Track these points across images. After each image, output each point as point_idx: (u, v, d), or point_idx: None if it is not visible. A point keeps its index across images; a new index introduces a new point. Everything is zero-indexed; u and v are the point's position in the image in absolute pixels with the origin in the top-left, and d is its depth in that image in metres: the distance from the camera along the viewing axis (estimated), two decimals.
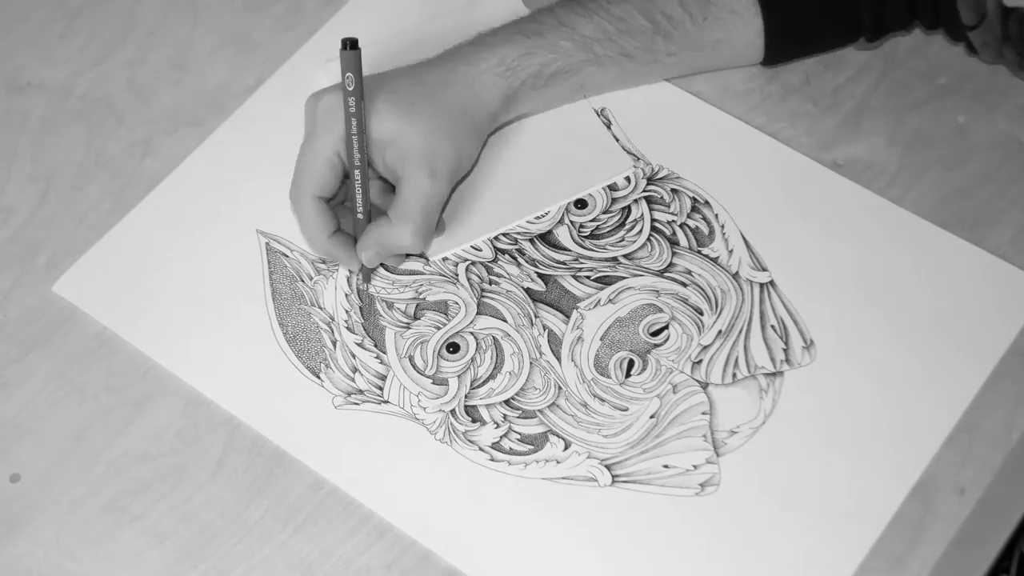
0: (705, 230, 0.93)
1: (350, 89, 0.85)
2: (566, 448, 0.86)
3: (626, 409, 0.87)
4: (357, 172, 0.87)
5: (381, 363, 0.89)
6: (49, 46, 1.03)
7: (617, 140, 0.96)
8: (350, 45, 0.85)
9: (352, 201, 0.88)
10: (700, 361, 0.88)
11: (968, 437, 0.85)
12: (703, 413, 0.87)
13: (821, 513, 0.83)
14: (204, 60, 1.02)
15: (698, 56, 0.94)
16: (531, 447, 0.86)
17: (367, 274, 0.91)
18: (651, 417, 0.87)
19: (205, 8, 1.04)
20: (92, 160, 0.98)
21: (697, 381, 0.88)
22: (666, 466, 0.85)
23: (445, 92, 0.88)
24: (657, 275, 0.91)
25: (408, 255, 0.92)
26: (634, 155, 0.96)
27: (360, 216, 0.89)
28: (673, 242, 0.93)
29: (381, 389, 0.88)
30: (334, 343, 0.90)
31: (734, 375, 0.88)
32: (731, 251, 0.92)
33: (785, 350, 0.88)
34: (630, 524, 0.83)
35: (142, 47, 1.03)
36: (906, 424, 0.85)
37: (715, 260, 0.92)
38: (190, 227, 0.95)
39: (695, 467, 0.85)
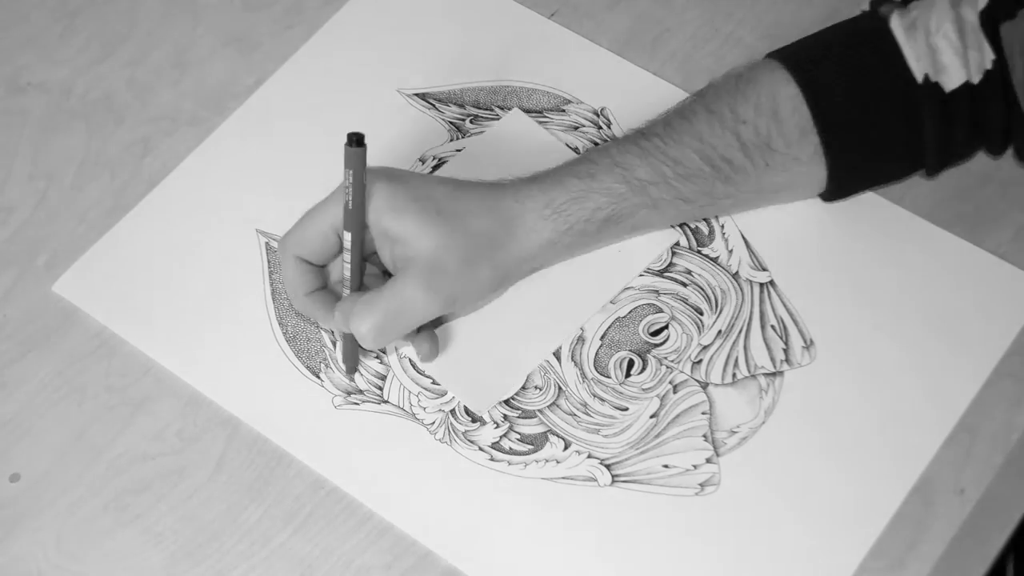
0: (705, 230, 0.93)
1: (349, 183, 0.81)
2: (566, 448, 0.86)
3: (626, 409, 0.87)
4: (346, 255, 0.83)
5: (381, 363, 0.89)
6: (49, 46, 1.03)
7: None
8: (356, 141, 0.81)
9: (348, 277, 0.84)
10: (700, 361, 0.88)
11: (968, 437, 0.85)
12: (703, 413, 0.87)
13: (821, 513, 0.83)
14: (204, 60, 1.02)
15: (757, 198, 0.90)
16: (531, 447, 0.86)
17: (351, 360, 0.87)
18: (651, 417, 0.87)
19: (205, 8, 1.04)
20: (92, 160, 0.98)
21: (697, 381, 0.88)
22: (666, 466, 0.85)
23: (481, 218, 0.83)
24: (657, 275, 0.91)
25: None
26: None
27: (345, 291, 0.85)
28: (673, 242, 0.93)
29: (381, 389, 0.88)
30: (334, 343, 0.90)
31: (734, 375, 0.88)
32: (731, 251, 0.92)
33: (785, 350, 0.88)
34: (630, 524, 0.83)
35: (142, 47, 1.03)
36: (906, 424, 0.85)
37: (715, 260, 0.92)
38: (190, 227, 0.95)
39: (695, 467, 0.85)
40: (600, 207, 0.85)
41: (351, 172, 0.81)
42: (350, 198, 0.81)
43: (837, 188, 0.90)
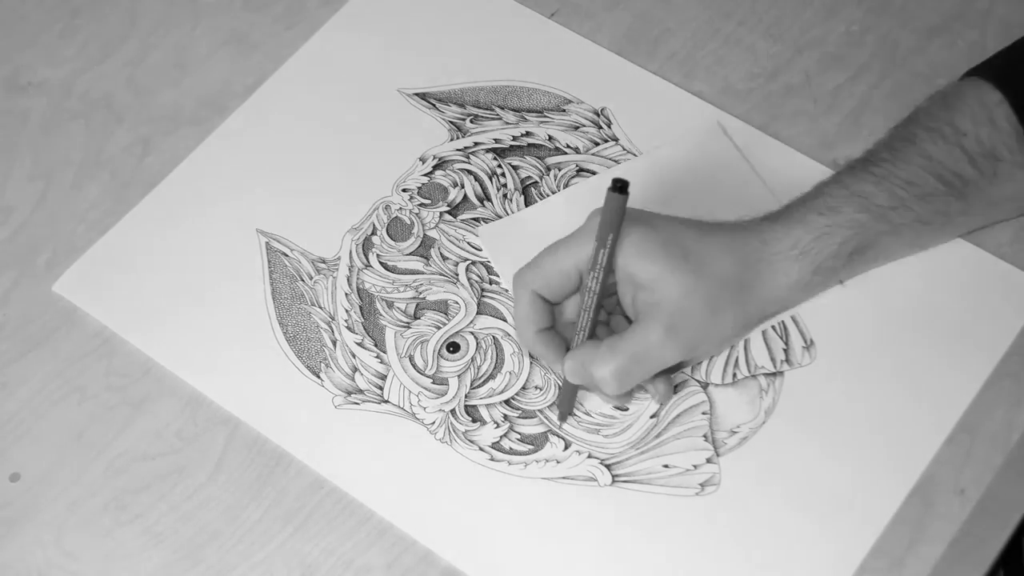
0: None
1: (610, 228, 0.80)
2: (566, 448, 0.86)
3: (626, 409, 0.87)
4: (588, 301, 0.82)
5: (381, 363, 0.89)
6: (49, 45, 1.03)
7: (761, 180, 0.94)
8: (620, 188, 0.78)
9: (580, 322, 0.83)
10: (700, 361, 0.88)
11: (968, 437, 0.85)
12: (703, 413, 0.87)
13: (821, 513, 0.83)
14: (204, 60, 1.02)
15: (989, 212, 0.89)
16: (531, 447, 0.86)
17: (566, 407, 0.86)
18: (651, 417, 0.87)
19: (205, 7, 1.04)
20: (92, 160, 0.98)
21: (697, 381, 0.88)
22: (666, 466, 0.85)
23: (726, 260, 0.82)
24: None
25: (609, 399, 0.86)
26: (634, 155, 0.96)
27: (582, 336, 0.83)
28: None
29: (381, 389, 0.88)
30: (334, 342, 0.90)
31: (734, 375, 0.88)
32: None
33: (785, 350, 0.88)
34: (630, 524, 0.83)
35: (142, 46, 1.03)
36: (906, 424, 0.85)
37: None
38: (190, 227, 0.95)
39: (695, 467, 0.85)
40: (846, 240, 0.84)
41: (608, 217, 0.79)
42: (604, 244, 0.80)
43: None
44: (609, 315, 0.86)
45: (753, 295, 0.83)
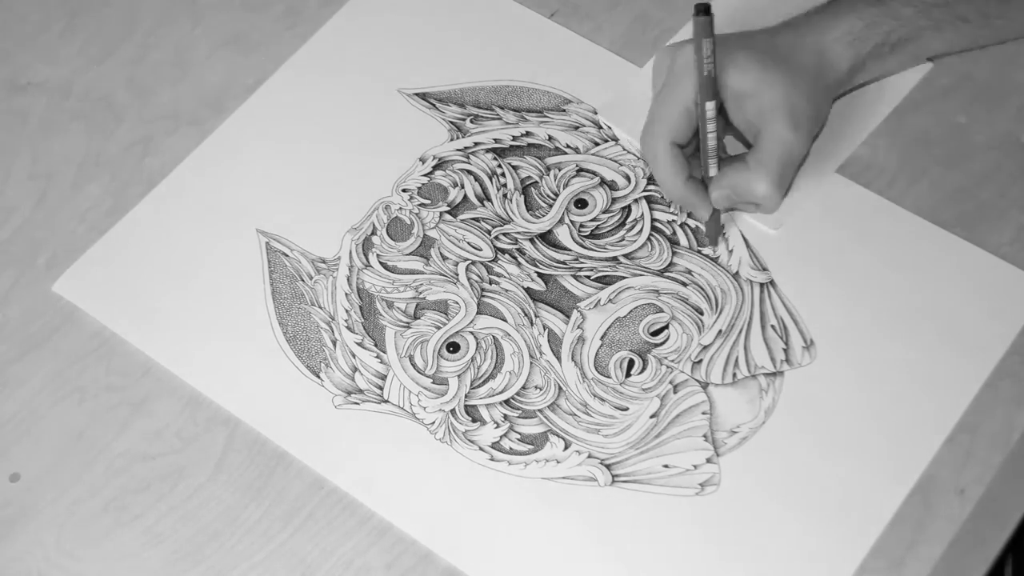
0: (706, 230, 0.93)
1: (707, 53, 0.86)
2: (566, 448, 0.86)
3: (626, 409, 0.87)
4: (710, 125, 0.88)
5: (381, 362, 0.89)
6: (49, 45, 1.03)
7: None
8: (704, 11, 0.86)
9: (703, 152, 0.89)
10: (700, 361, 0.88)
11: (968, 437, 0.85)
12: (703, 413, 0.87)
13: (821, 513, 0.83)
14: (204, 60, 1.02)
15: (1021, 18, 0.95)
16: (531, 447, 0.86)
17: (714, 234, 0.91)
18: (651, 417, 0.87)
19: (205, 7, 1.04)
20: (92, 159, 0.98)
21: (697, 381, 0.88)
22: (666, 466, 0.85)
23: (798, 56, 0.89)
24: (657, 275, 0.91)
25: (758, 208, 0.91)
26: (634, 155, 0.96)
27: (712, 164, 0.90)
28: (673, 242, 0.93)
29: (381, 389, 0.88)
30: (334, 342, 0.90)
31: (734, 375, 0.88)
32: (731, 251, 0.92)
33: (785, 350, 0.88)
34: (630, 524, 0.83)
35: (142, 46, 1.03)
36: (906, 424, 0.85)
37: (715, 260, 0.92)
38: (190, 227, 0.95)
39: (695, 467, 0.85)
40: (891, 31, 0.92)
41: (704, 41, 0.86)
42: (704, 66, 0.86)
43: None
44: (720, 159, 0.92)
45: (827, 80, 0.91)
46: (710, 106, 0.88)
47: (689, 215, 0.93)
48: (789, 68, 0.88)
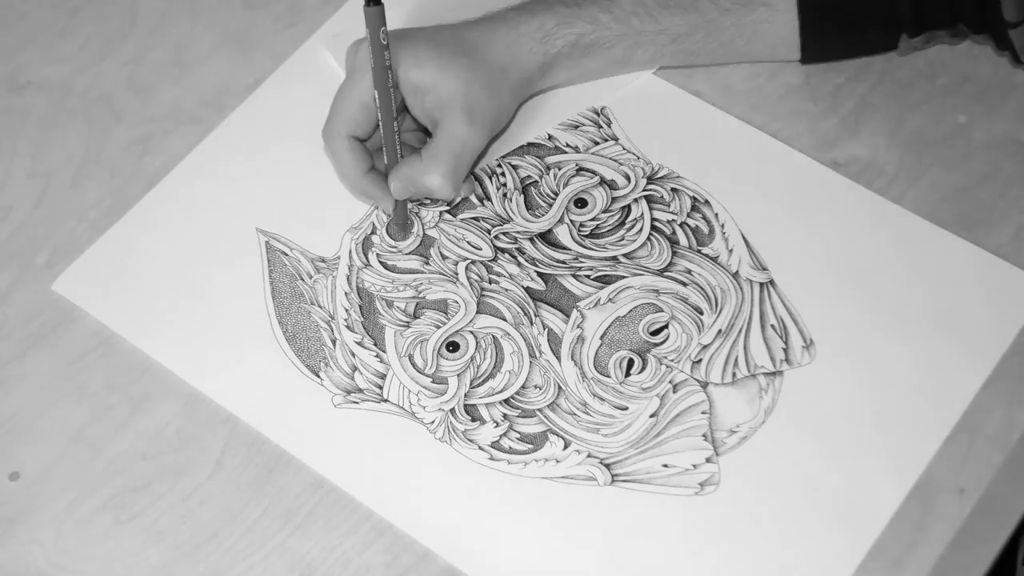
0: (705, 229, 0.93)
1: (384, 43, 0.86)
2: (566, 447, 0.86)
3: (626, 408, 0.87)
4: (383, 117, 0.88)
5: (381, 362, 0.89)
6: (49, 44, 1.03)
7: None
8: (373, 1, 0.85)
9: (385, 143, 0.90)
10: (700, 360, 0.88)
11: (968, 437, 0.85)
12: (703, 412, 0.87)
13: (821, 513, 0.83)
14: (204, 58, 1.02)
15: (735, 43, 0.95)
16: (531, 446, 0.86)
17: (400, 225, 0.92)
18: (651, 416, 0.87)
19: (205, 6, 1.04)
20: (92, 158, 0.98)
21: (697, 380, 0.88)
22: (666, 465, 0.85)
23: (485, 49, 0.90)
24: (657, 274, 0.91)
25: (436, 200, 0.93)
26: (634, 154, 0.96)
27: (390, 156, 0.90)
28: (673, 241, 0.93)
29: (381, 388, 0.88)
30: (334, 342, 0.90)
31: (734, 374, 0.88)
32: (731, 250, 0.92)
33: (785, 350, 0.88)
34: (629, 523, 0.83)
35: (142, 45, 1.03)
36: (906, 424, 0.85)
37: (715, 259, 0.92)
38: (190, 226, 0.95)
39: (695, 466, 0.85)
40: (584, 33, 0.92)
41: (372, 32, 0.85)
42: (375, 57, 0.86)
43: (809, 39, 0.94)
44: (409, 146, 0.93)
45: (515, 75, 0.91)
46: (379, 97, 0.87)
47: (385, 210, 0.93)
48: (472, 62, 0.89)
